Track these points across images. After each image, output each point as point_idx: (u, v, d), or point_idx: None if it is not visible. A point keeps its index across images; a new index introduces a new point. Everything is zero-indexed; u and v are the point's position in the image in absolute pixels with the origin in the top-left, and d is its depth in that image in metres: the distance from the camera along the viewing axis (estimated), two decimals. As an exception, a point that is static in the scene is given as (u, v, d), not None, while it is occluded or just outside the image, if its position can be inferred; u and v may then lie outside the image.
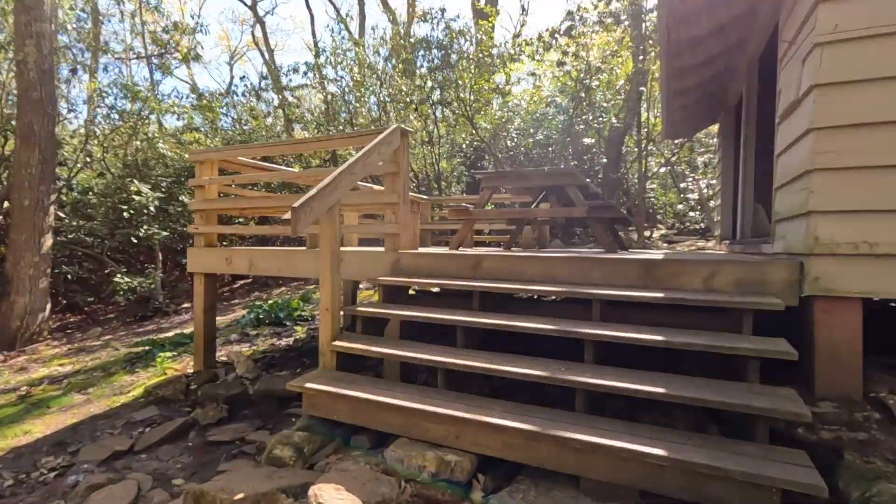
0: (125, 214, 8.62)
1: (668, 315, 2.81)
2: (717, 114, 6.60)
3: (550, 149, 14.05)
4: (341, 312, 3.18)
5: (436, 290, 4.01)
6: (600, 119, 12.37)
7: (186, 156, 10.27)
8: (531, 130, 14.10)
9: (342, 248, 4.12)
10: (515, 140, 14.22)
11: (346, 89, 13.28)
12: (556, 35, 11.41)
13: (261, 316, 6.76)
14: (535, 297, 3.61)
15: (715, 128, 13.73)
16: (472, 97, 12.58)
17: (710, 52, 4.58)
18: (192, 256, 4.53)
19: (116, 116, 9.38)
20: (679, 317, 2.79)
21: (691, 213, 15.64)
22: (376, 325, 3.21)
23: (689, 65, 4.64)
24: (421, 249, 4.30)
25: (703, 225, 14.97)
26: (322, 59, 12.31)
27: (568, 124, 12.39)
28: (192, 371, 4.62)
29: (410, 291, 4.02)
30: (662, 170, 15.05)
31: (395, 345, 2.93)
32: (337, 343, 2.94)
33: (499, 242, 9.98)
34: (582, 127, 12.32)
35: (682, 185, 16.86)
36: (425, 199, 5.68)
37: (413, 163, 14.66)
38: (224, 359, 4.89)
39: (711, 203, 12.15)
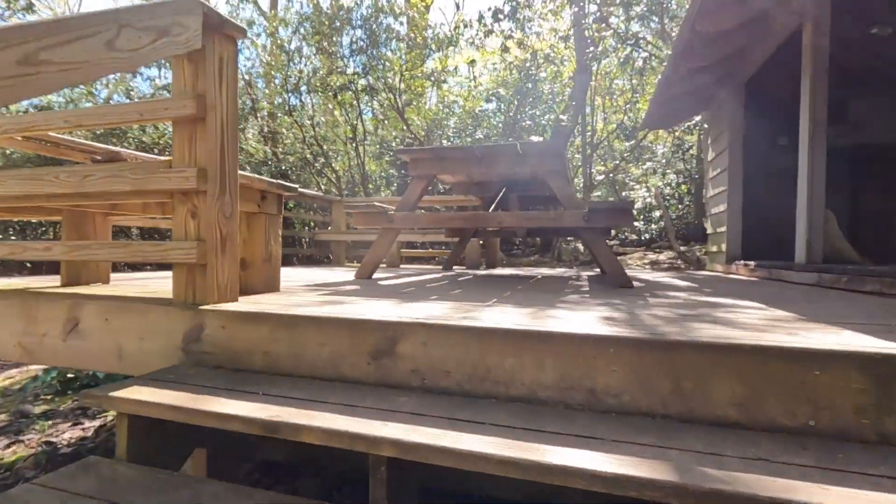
0: None
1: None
2: (713, 97, 4.99)
3: (490, 150, 12.30)
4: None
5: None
6: (548, 116, 10.75)
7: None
8: (470, 128, 12.25)
9: (89, 290, 1.82)
10: (452, 139, 12.31)
11: (252, 72, 10.76)
12: (500, 16, 9.63)
13: (70, 374, 4.25)
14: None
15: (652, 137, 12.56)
16: (402, 85, 10.52)
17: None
18: None
19: None
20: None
21: (636, 224, 14.51)
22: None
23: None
24: (281, 292, 2.13)
25: (647, 236, 13.84)
26: (217, 29, 9.73)
27: (512, 121, 10.64)
28: None
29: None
30: (601, 177, 13.73)
31: None
32: None
33: (434, 257, 7.92)
34: (528, 123, 10.60)
35: (624, 194, 15.77)
36: (298, 192, 3.58)
37: (335, 162, 12.33)
38: None
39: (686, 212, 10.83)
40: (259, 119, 10.32)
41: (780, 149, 4.93)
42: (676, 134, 11.91)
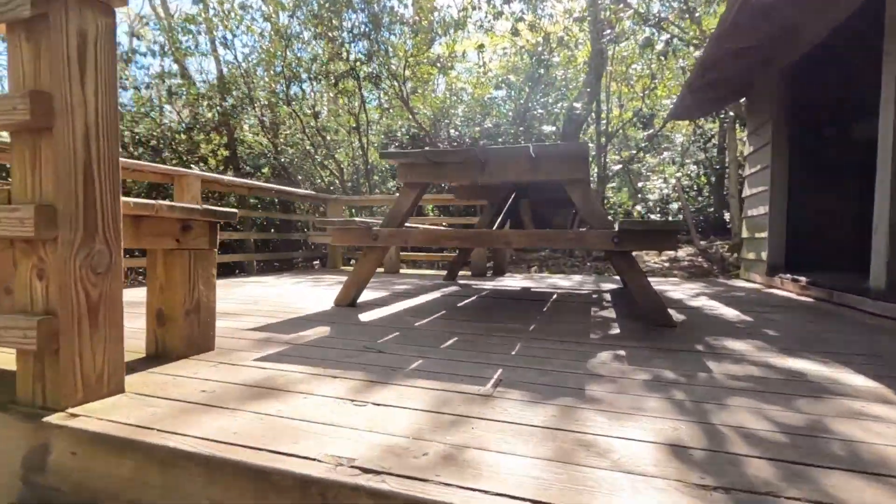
0: None
1: None
2: (752, 83, 4.36)
3: (501, 139, 11.67)
4: None
5: None
6: (561, 104, 10.07)
7: None
8: (478, 117, 11.63)
9: None
10: (460, 129, 11.71)
11: (250, 60, 10.21)
12: (510, -4, 8.95)
13: None
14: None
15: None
16: (408, 72, 9.92)
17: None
18: None
19: None
20: None
21: (651, 216, 13.83)
22: None
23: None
24: (217, 351, 1.61)
25: (664, 229, 13.19)
26: (211, 13, 9.19)
27: (522, 109, 10.00)
28: None
29: None
30: (617, 167, 13.05)
31: None
32: None
33: (438, 261, 7.39)
34: (540, 111, 9.95)
35: (640, 184, 15.07)
36: (237, 217, 3.08)
37: (337, 153, 11.82)
38: None
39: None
40: (257, 109, 9.81)
41: (828, 142, 4.30)
42: (697, 122, 11.19)
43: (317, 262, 6.23)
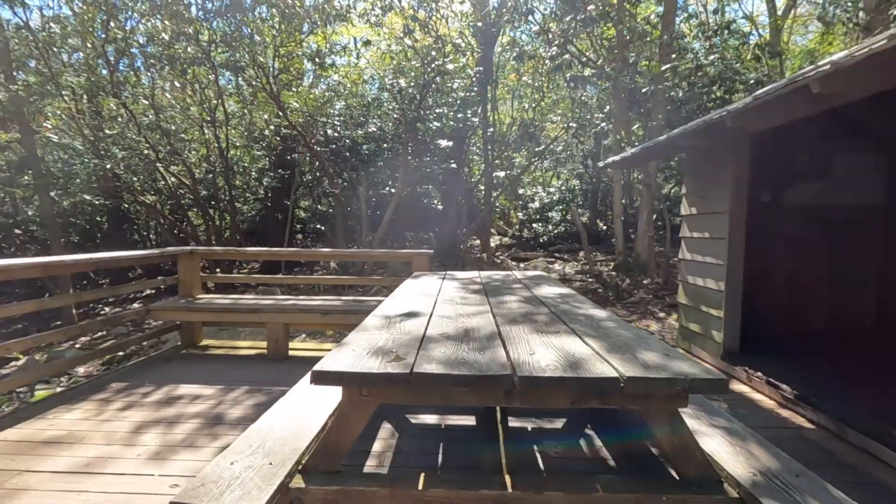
0: None
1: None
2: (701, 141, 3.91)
3: (386, 144, 10.41)
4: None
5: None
6: (457, 114, 9.17)
7: None
8: (361, 118, 10.23)
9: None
10: (339, 130, 10.17)
11: (51, 29, 7.47)
12: (402, -10, 7.73)
13: None
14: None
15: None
16: (276, 64, 8.17)
17: None
18: None
19: None
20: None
21: (534, 225, 13.85)
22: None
23: None
24: None
25: (545, 238, 13.29)
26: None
27: (412, 117, 8.91)
28: None
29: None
30: (502, 173, 12.71)
31: None
32: None
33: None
34: (437, 124, 8.96)
35: (521, 191, 15.07)
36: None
37: (186, 150, 9.53)
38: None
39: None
40: (66, 97, 7.23)
41: (765, 207, 4.06)
42: (580, 138, 11.21)
43: (166, 337, 4.54)
